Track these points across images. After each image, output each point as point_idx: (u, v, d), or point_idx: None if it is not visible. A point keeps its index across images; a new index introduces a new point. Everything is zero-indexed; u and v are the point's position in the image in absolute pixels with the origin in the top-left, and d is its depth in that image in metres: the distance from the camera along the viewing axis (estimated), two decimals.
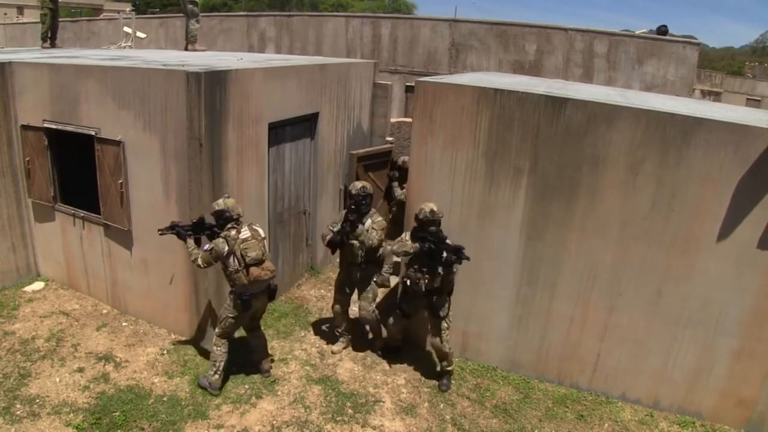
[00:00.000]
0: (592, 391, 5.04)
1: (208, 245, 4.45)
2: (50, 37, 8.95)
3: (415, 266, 4.69)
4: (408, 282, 4.73)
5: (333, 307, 5.29)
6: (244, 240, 4.41)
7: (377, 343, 5.45)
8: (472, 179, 4.93)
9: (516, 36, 12.08)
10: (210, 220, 4.60)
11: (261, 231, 4.59)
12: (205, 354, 5.20)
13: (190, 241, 4.55)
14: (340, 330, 5.41)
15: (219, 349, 4.67)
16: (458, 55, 12.67)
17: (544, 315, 5.01)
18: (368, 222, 4.94)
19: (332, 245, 4.99)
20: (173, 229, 4.59)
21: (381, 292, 5.66)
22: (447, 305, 4.80)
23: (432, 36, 12.84)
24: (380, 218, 5.00)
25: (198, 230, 4.61)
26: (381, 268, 5.12)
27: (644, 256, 4.56)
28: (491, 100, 4.73)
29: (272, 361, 5.14)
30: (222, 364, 4.67)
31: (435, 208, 4.62)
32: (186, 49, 8.76)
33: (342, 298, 5.25)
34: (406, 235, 4.83)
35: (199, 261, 4.44)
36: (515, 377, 5.20)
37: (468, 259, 4.47)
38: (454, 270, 4.62)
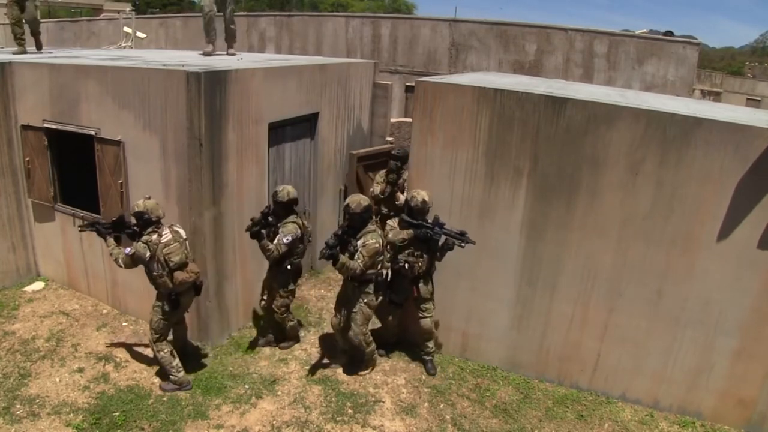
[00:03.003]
0: (592, 391, 5.04)
1: (129, 249, 4.38)
2: (22, 39, 7.00)
3: (409, 251, 4.78)
4: (406, 266, 4.80)
5: (332, 321, 5.03)
6: (166, 244, 4.31)
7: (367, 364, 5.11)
8: (472, 179, 4.93)
9: (516, 36, 12.08)
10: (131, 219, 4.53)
11: (182, 232, 4.50)
12: (205, 353, 5.20)
13: (110, 240, 4.52)
14: (340, 345, 5.18)
15: (164, 353, 4.63)
16: (458, 55, 12.67)
17: (544, 315, 5.01)
18: (360, 241, 4.47)
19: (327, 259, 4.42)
20: (93, 226, 4.58)
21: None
22: (433, 287, 5.01)
23: (432, 36, 12.84)
24: (373, 240, 4.44)
25: (118, 229, 4.57)
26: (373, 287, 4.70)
27: (644, 256, 4.56)
28: (491, 100, 4.73)
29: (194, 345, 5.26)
30: (176, 361, 4.68)
31: (427, 198, 4.75)
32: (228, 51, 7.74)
33: (339, 313, 4.90)
34: (393, 222, 4.88)
35: (120, 262, 4.41)
36: (515, 377, 5.20)
37: (473, 242, 4.53)
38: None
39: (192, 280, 4.46)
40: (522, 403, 4.85)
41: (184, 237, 4.50)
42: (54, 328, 5.48)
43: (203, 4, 6.79)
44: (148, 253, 4.31)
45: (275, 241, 4.74)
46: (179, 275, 4.36)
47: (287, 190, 4.82)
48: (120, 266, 4.43)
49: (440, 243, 4.70)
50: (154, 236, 4.33)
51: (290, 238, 4.70)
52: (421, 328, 5.08)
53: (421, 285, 4.93)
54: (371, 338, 4.96)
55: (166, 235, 4.35)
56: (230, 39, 7.43)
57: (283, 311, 5.12)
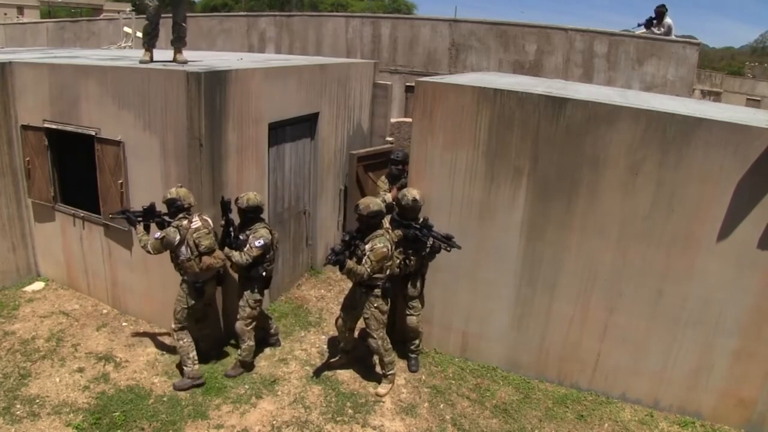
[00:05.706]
0: (592, 391, 5.04)
1: (159, 233, 4.47)
2: None
3: (400, 249, 4.79)
4: (407, 261, 4.84)
5: (336, 321, 5.03)
6: (196, 229, 4.47)
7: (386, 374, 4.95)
8: (472, 179, 4.93)
9: (516, 36, 12.06)
10: (161, 207, 4.60)
11: (210, 221, 4.63)
12: (204, 354, 5.20)
13: (140, 227, 4.60)
14: (341, 346, 5.20)
15: (183, 342, 4.69)
16: (458, 55, 12.66)
17: (544, 315, 5.01)
18: (368, 245, 4.43)
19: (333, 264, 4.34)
20: (124, 214, 4.63)
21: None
22: (423, 286, 5.05)
23: (432, 36, 12.83)
24: (381, 244, 4.39)
25: (148, 217, 4.63)
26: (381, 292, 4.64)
27: (644, 256, 4.56)
28: (491, 100, 4.73)
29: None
30: (193, 353, 4.72)
31: (417, 196, 4.76)
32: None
33: (345, 315, 4.87)
34: (385, 222, 4.84)
35: (149, 248, 4.48)
36: (515, 377, 5.20)
37: (459, 247, 4.53)
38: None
39: (218, 265, 4.59)
40: (522, 403, 4.85)
41: (212, 226, 4.62)
42: (54, 328, 5.48)
43: (148, 3, 5.37)
44: (178, 237, 4.42)
45: (246, 247, 4.62)
46: (207, 260, 4.50)
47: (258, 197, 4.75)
48: (149, 252, 4.50)
49: (428, 245, 4.72)
50: (185, 221, 4.47)
51: (262, 242, 4.62)
52: (407, 325, 5.10)
53: (409, 284, 4.97)
54: (390, 345, 4.85)
55: (196, 222, 4.51)
56: (179, 41, 5.62)
57: (249, 323, 4.84)
